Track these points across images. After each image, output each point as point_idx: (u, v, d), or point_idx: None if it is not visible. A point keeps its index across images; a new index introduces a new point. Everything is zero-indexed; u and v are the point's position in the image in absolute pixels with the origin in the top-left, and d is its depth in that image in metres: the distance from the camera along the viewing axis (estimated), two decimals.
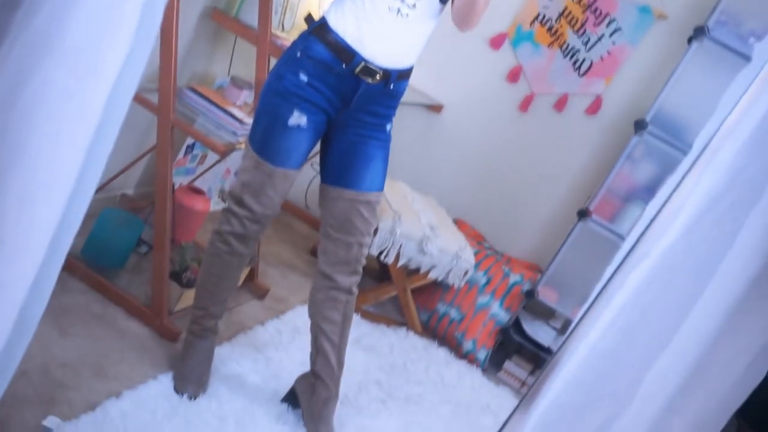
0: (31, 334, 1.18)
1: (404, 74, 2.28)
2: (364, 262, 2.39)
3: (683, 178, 1.01)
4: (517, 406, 1.28)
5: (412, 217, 3.42)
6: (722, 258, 0.93)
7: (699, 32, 3.42)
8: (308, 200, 4.23)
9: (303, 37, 2.25)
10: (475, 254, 3.64)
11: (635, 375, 0.96)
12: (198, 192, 3.18)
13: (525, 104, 3.97)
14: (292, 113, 2.23)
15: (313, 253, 3.95)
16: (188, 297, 2.78)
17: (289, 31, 3.41)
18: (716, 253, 0.93)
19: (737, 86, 1.08)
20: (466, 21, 2.23)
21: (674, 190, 1.01)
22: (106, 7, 0.93)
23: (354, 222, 2.32)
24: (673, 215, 0.97)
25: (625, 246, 1.05)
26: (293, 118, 2.24)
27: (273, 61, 2.83)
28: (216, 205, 3.65)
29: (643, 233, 1.01)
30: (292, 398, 2.54)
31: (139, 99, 2.68)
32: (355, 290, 2.41)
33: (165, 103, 2.59)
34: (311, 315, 2.43)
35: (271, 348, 2.86)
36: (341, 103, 2.25)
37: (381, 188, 2.36)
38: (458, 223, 3.98)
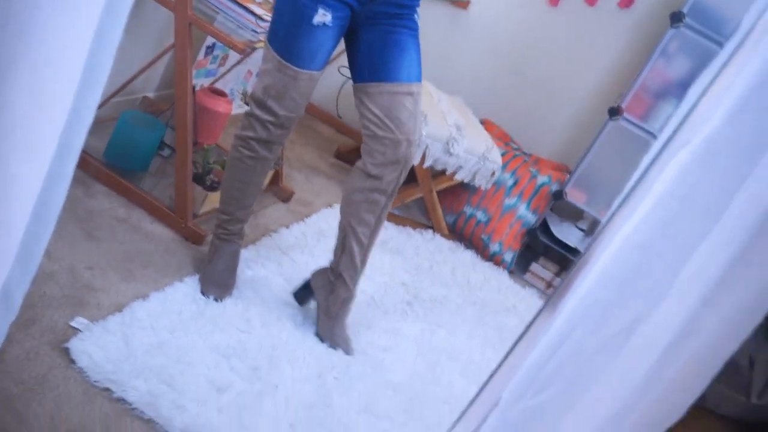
0: (51, 228, 1.15)
1: None
2: (415, 161, 2.27)
3: (727, 62, 0.94)
4: (545, 305, 1.24)
5: (437, 117, 3.35)
6: None
7: None
8: (340, 109, 4.15)
9: None
10: (503, 155, 3.57)
11: (671, 269, 0.91)
12: (220, 93, 3.12)
13: None
14: (316, 11, 2.13)
15: (338, 156, 3.91)
16: (213, 200, 2.76)
17: None
18: (763, 139, 0.87)
19: None
20: None
21: (717, 75, 0.94)
22: None
23: (400, 117, 2.21)
24: (716, 101, 0.90)
25: (663, 135, 0.99)
26: (318, 15, 2.13)
27: None
28: (238, 108, 3.59)
29: (683, 121, 0.95)
30: (304, 292, 2.50)
31: None
32: (397, 193, 2.34)
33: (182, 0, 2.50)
34: (344, 214, 2.36)
35: (297, 250, 2.85)
36: None
37: (420, 79, 2.26)
38: (485, 123, 3.89)
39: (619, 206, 1.04)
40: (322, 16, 2.14)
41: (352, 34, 2.27)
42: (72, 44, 0.97)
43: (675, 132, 0.92)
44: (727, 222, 0.90)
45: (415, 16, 2.26)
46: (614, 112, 3.50)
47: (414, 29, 2.25)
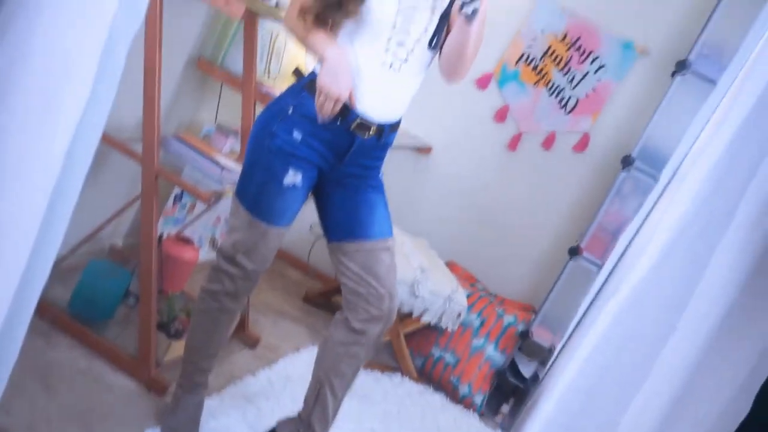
0: (2, 385, 1.15)
1: (395, 126, 2.26)
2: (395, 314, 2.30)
3: (651, 210, 1.00)
4: None
5: (402, 260, 3.40)
6: (693, 290, 0.91)
7: (681, 66, 3.44)
8: (311, 263, 4.21)
9: (294, 92, 2.21)
10: (468, 296, 3.61)
11: (610, 416, 0.93)
12: (186, 241, 3.16)
13: (513, 143, 3.98)
14: (287, 172, 2.18)
15: (307, 300, 3.92)
16: (177, 348, 2.74)
17: (275, 77, 3.42)
18: (687, 285, 0.91)
19: (703, 114, 1.07)
20: (455, 71, 2.19)
21: (643, 223, 0.99)
22: (59, 55, 0.92)
23: (379, 272, 2.24)
24: (642, 248, 0.95)
25: (598, 280, 1.03)
26: (288, 177, 2.18)
27: (259, 108, 2.84)
28: (206, 254, 3.63)
29: (614, 267, 0.99)
30: None
31: (123, 149, 2.69)
32: (377, 346, 2.33)
33: (149, 153, 2.59)
34: (321, 366, 2.33)
35: (262, 398, 2.81)
36: (335, 158, 2.22)
37: (392, 233, 2.31)
38: (450, 265, 3.95)
39: (562, 348, 1.06)
40: (293, 177, 2.19)
41: (320, 192, 2.32)
42: (28, 203, 1.01)
43: (607, 278, 0.97)
44: (663, 366, 0.93)
45: (380, 174, 2.33)
46: (574, 251, 3.58)
47: (380, 186, 2.32)
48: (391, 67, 2.13)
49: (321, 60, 2.13)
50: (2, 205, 0.99)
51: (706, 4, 3.55)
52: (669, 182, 1.01)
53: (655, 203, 0.99)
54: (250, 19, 2.83)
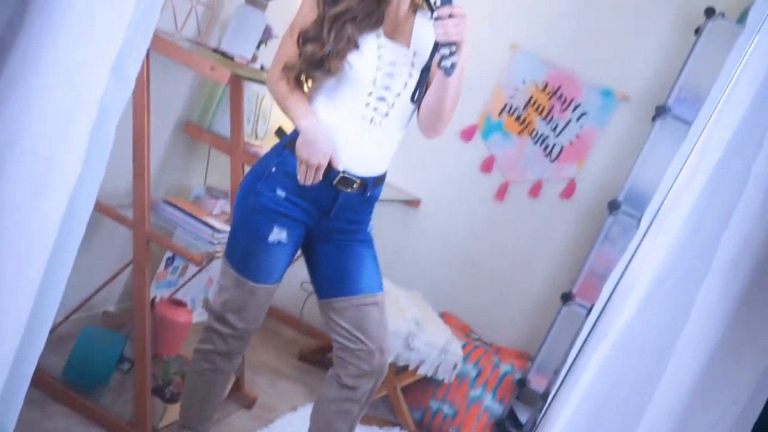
0: None
1: (380, 180, 2.28)
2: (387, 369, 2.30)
3: (633, 255, 1.02)
4: None
5: (396, 313, 3.41)
6: (679, 332, 0.93)
7: (661, 111, 3.51)
8: (304, 320, 4.21)
9: (277, 151, 2.24)
10: (464, 346, 3.61)
11: None
12: (179, 304, 3.16)
13: (500, 193, 4.02)
14: (272, 230, 2.20)
15: (302, 357, 3.91)
16: (173, 412, 2.72)
17: (262, 138, 3.47)
18: (673, 328, 0.93)
19: (680, 157, 1.10)
20: (434, 127, 2.22)
21: (626, 268, 1.02)
22: (55, 125, 0.95)
23: (369, 328, 2.24)
24: (627, 292, 0.97)
25: (587, 324, 1.05)
26: (273, 234, 2.20)
27: (248, 169, 2.87)
28: (199, 315, 3.62)
29: (601, 311, 1.01)
30: None
31: (114, 215, 2.71)
32: (370, 401, 2.32)
33: (139, 217, 2.61)
34: (315, 424, 2.32)
35: None
36: (320, 214, 2.24)
37: (381, 287, 2.31)
38: (444, 316, 3.95)
39: (555, 394, 1.08)
40: (278, 234, 2.21)
41: (309, 248, 2.33)
42: (25, 273, 1.03)
43: (595, 323, 0.99)
44: (653, 411, 0.94)
45: (368, 228, 2.33)
46: (567, 297, 3.60)
47: (368, 241, 2.32)
48: (371, 121, 2.16)
49: (298, 129, 2.17)
50: None
51: (681, 49, 3.63)
52: (650, 225, 1.04)
53: (638, 246, 1.01)
54: (236, 83, 2.88)
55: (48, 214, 0.97)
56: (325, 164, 2.13)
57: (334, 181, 2.18)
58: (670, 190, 1.02)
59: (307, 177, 2.14)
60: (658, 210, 1.01)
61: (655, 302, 0.93)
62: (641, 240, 1.01)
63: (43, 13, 0.93)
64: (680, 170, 1.05)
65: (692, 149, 1.05)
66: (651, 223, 1.00)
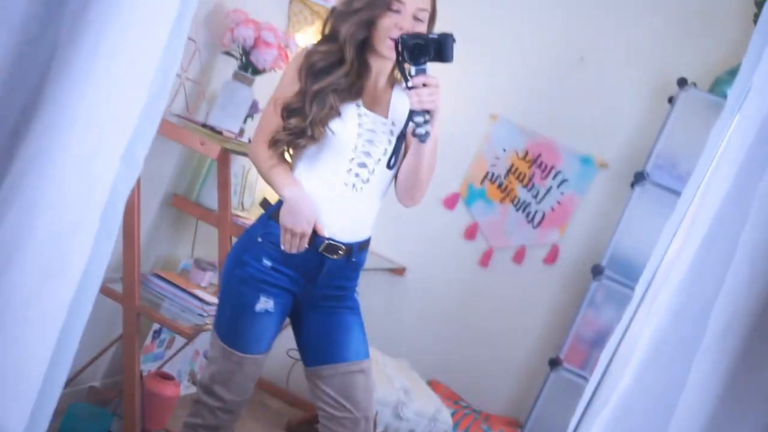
0: None
1: (364, 245, 2.31)
2: None
3: (630, 321, 1.06)
4: None
5: (384, 382, 3.40)
6: (676, 400, 0.96)
7: (639, 177, 3.60)
8: (289, 383, 4.18)
9: (262, 221, 2.27)
10: (453, 414, 3.60)
11: None
12: (167, 377, 3.14)
13: (485, 259, 4.06)
14: (258, 299, 2.21)
15: (289, 428, 3.87)
16: None
17: (249, 209, 3.51)
18: (671, 396, 0.96)
19: (671, 226, 1.15)
20: (411, 195, 2.26)
21: (624, 334, 1.05)
22: (67, 211, 0.98)
23: (355, 395, 2.24)
24: (625, 360, 1.01)
25: (586, 393, 1.07)
26: (260, 303, 2.21)
27: (235, 240, 2.90)
28: (186, 389, 3.59)
29: (600, 380, 1.04)
30: None
31: (104, 290, 2.71)
32: None
33: (129, 292, 2.62)
34: None
35: None
36: (307, 281, 2.25)
37: (368, 354, 2.31)
38: (432, 383, 3.94)
39: None
40: (264, 304, 2.21)
41: (296, 316, 2.33)
42: (28, 363, 1.04)
43: (595, 390, 1.01)
44: None
45: (355, 294, 2.35)
46: (554, 363, 3.61)
47: (355, 307, 2.34)
48: (353, 187, 2.21)
49: (281, 199, 2.21)
50: (6, 360, 1.02)
51: (656, 117, 3.75)
52: (645, 292, 1.08)
53: (634, 314, 1.05)
54: (224, 157, 2.93)
55: (58, 297, 0.99)
56: (309, 232, 2.17)
57: (320, 249, 2.21)
58: (662, 259, 1.06)
59: (291, 245, 2.17)
60: (652, 279, 1.05)
61: (652, 370, 0.96)
62: (637, 307, 1.05)
63: (56, 102, 0.97)
64: (670, 241, 1.10)
65: (681, 221, 1.10)
66: (645, 292, 1.04)
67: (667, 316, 0.99)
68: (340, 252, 2.22)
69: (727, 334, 0.99)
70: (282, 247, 2.19)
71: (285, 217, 2.17)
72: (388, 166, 2.23)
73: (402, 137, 2.22)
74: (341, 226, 2.22)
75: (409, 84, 2.07)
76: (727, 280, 0.99)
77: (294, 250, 2.18)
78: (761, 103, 0.93)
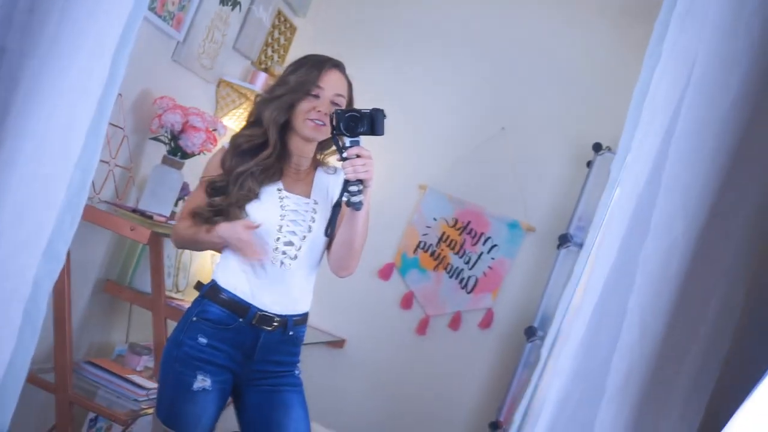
0: None
1: (300, 320, 2.34)
2: None
3: (537, 382, 1.12)
4: None
5: None
6: None
7: (564, 239, 3.73)
8: None
9: (197, 302, 2.30)
10: None
11: None
12: None
13: (422, 327, 4.12)
14: (195, 377, 2.21)
15: None
16: None
17: (184, 290, 3.51)
18: None
19: (571, 286, 1.22)
20: (346, 263, 2.32)
21: (532, 395, 1.11)
22: None
23: None
24: (535, 420, 1.07)
25: None
26: (197, 381, 2.21)
27: (171, 324, 2.90)
28: None
29: None
30: None
31: (34, 380, 2.67)
32: None
33: (61, 381, 2.59)
34: None
35: None
36: (243, 356, 2.26)
37: None
38: None
39: None
40: (202, 382, 2.22)
41: (237, 396, 2.33)
42: None
43: None
44: None
45: (296, 371, 2.36)
46: (495, 426, 3.65)
47: (297, 384, 2.35)
48: (282, 264, 2.26)
49: (221, 239, 2.24)
50: None
51: (576, 181, 3.91)
52: (551, 348, 1.15)
53: (542, 370, 1.11)
54: (156, 241, 2.95)
55: None
56: (250, 237, 2.20)
57: (253, 321, 2.24)
58: (562, 321, 1.14)
59: (251, 253, 2.20)
60: (557, 336, 1.13)
61: (560, 425, 1.03)
62: (544, 364, 1.11)
63: None
64: (571, 298, 1.17)
65: (578, 280, 1.18)
66: (552, 349, 1.11)
67: (569, 374, 1.05)
68: (274, 324, 2.25)
69: (625, 387, 1.06)
70: (217, 314, 2.22)
71: (234, 244, 2.22)
72: (326, 234, 2.29)
73: (338, 206, 2.29)
74: (272, 300, 2.26)
75: (344, 155, 2.16)
76: (621, 339, 1.07)
77: (260, 255, 2.21)
78: (635, 180, 1.03)
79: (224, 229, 2.23)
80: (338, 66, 2.35)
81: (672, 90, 1.06)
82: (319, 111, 2.27)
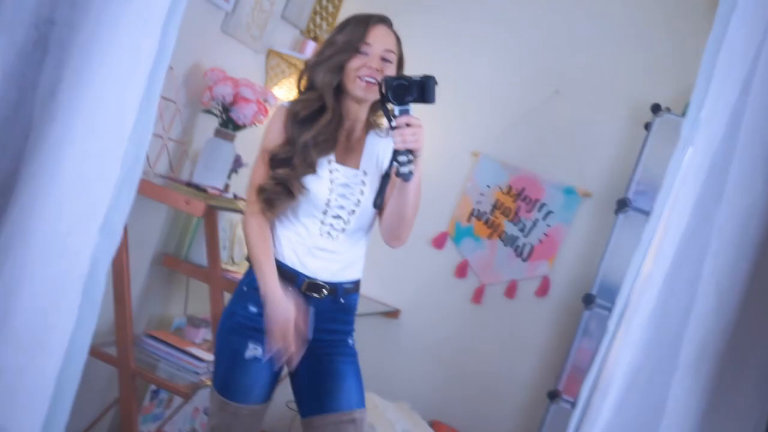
0: None
1: (352, 288, 2.32)
2: None
3: (605, 354, 1.08)
4: None
5: (386, 426, 3.39)
6: (658, 426, 0.98)
7: (622, 204, 3.64)
8: None
9: (247, 272, 2.31)
10: None
11: None
12: None
13: (477, 296, 4.08)
14: (247, 346, 2.23)
15: None
16: None
17: (239, 263, 3.53)
18: (651, 423, 0.98)
19: (640, 254, 1.17)
20: (398, 234, 2.28)
21: (600, 368, 1.07)
22: (49, 286, 1.00)
23: None
24: (604, 392, 1.03)
25: (570, 428, 1.09)
26: (249, 351, 2.22)
27: (227, 296, 2.91)
28: None
29: (582, 414, 1.06)
30: None
31: (97, 353, 2.72)
32: None
33: (124, 355, 2.62)
34: None
35: None
36: None
37: (362, 404, 2.29)
38: (434, 424, 3.93)
39: None
40: (253, 351, 2.22)
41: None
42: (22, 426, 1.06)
43: (578, 426, 1.03)
44: None
45: (350, 340, 2.35)
46: (553, 395, 3.61)
47: (351, 354, 2.33)
48: (329, 235, 2.24)
49: (263, 297, 2.21)
50: None
51: (634, 144, 3.80)
52: (619, 321, 1.10)
53: (609, 345, 1.07)
54: (210, 214, 2.96)
55: (44, 371, 1.01)
56: (292, 329, 2.17)
57: (303, 288, 2.23)
58: (631, 290, 1.09)
59: (282, 347, 2.18)
60: (625, 306, 1.08)
61: (632, 399, 0.99)
62: (611, 339, 1.07)
63: (30, 182, 1.00)
64: (639, 267, 1.12)
65: (647, 248, 1.13)
66: (620, 320, 1.07)
67: (640, 346, 1.01)
68: (324, 291, 2.25)
69: (700, 359, 1.02)
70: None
71: (270, 326, 2.18)
72: (374, 205, 2.26)
73: (387, 176, 2.25)
74: (321, 267, 2.25)
75: (393, 124, 2.11)
76: (696, 308, 1.02)
77: (292, 353, 2.19)
78: (710, 137, 0.97)
79: (271, 299, 2.18)
80: (384, 21, 2.28)
81: (751, 37, 0.99)
82: (369, 68, 2.21)
